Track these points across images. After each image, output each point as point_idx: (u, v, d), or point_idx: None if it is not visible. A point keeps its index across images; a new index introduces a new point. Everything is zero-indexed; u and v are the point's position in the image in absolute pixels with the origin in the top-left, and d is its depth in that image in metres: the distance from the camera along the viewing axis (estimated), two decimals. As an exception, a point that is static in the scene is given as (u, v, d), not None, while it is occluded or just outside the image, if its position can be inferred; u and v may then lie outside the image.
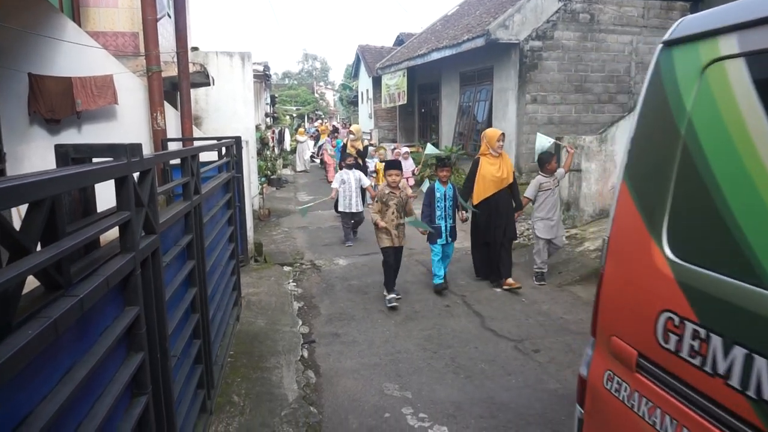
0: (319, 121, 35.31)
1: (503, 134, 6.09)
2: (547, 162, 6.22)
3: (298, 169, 19.83)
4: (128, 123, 6.03)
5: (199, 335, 3.06)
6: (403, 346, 4.66)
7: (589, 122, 11.97)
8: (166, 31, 7.09)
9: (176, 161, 3.27)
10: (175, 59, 6.52)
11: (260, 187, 11.03)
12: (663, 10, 12.06)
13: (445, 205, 5.85)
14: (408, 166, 11.23)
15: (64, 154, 1.68)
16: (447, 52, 13.21)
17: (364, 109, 26.51)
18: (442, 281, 5.97)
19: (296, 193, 14.44)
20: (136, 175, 1.83)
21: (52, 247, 1.24)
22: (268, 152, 16.81)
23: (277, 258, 7.59)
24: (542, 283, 6.27)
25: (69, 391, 1.25)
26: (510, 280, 6.01)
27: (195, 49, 9.02)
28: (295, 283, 6.47)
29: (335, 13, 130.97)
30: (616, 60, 12.08)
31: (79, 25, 5.99)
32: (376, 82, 21.73)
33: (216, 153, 5.17)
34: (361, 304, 5.73)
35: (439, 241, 5.84)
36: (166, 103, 6.16)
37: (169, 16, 7.21)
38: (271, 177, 15.06)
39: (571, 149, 6.67)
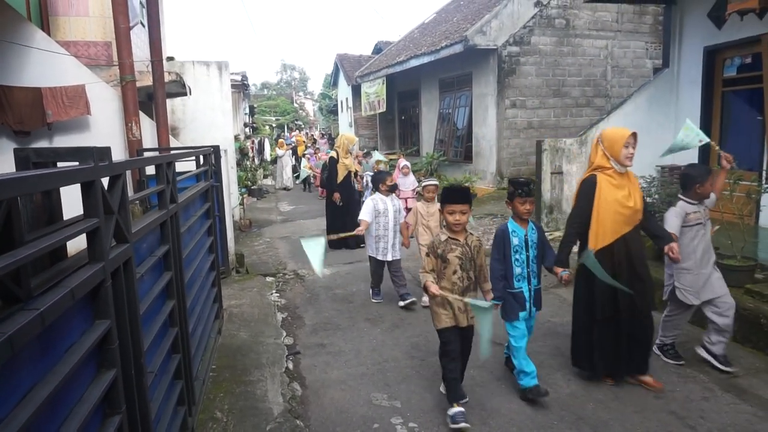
0: (297, 131, 35.00)
1: (635, 134, 3.67)
2: (700, 181, 3.95)
3: (278, 186, 18.27)
4: (102, 134, 5.87)
5: (178, 350, 2.93)
6: (391, 355, 4.56)
7: (568, 126, 12.08)
8: (140, 40, 6.95)
9: (153, 172, 3.16)
10: (150, 68, 6.39)
11: (241, 197, 10.87)
12: (636, 14, 12.27)
13: (527, 258, 3.71)
14: (409, 183, 9.55)
15: (24, 159, 1.57)
16: (426, 59, 13.25)
17: (344, 117, 26.48)
18: (537, 383, 3.70)
19: (277, 203, 14.29)
20: (105, 181, 1.72)
21: (8, 256, 1.13)
22: (248, 162, 16.65)
23: (259, 269, 7.45)
24: (679, 362, 4.11)
25: (29, 414, 1.14)
26: (648, 378, 3.82)
27: (171, 58, 8.87)
28: (278, 294, 6.34)
29: (313, 23, 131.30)
30: (592, 64, 12.24)
31: (49, 35, 5.83)
32: (356, 91, 21.73)
33: (194, 162, 5.05)
34: (346, 313, 5.62)
35: (521, 315, 3.72)
36: (141, 114, 6.01)
37: (143, 25, 7.08)
38: (252, 187, 14.90)
39: (728, 161, 4.09)
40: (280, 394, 3.84)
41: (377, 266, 5.89)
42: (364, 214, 5.73)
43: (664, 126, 7.96)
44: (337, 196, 8.53)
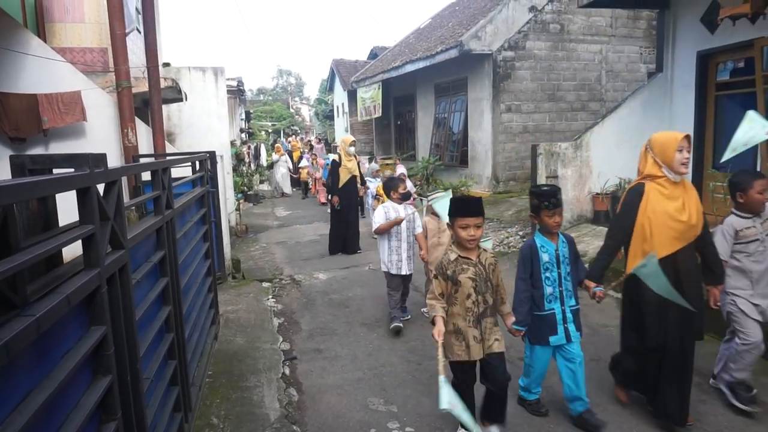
0: (293, 136, 34.87)
1: (688, 137, 3.25)
2: (742, 189, 3.49)
3: (275, 193, 17.38)
4: (98, 140, 5.86)
5: (174, 355, 2.93)
6: (387, 359, 4.56)
7: (563, 130, 12.13)
8: (136, 46, 6.95)
9: (149, 177, 3.16)
10: (146, 74, 6.39)
11: (237, 203, 10.86)
12: (630, 19, 12.35)
13: (559, 276, 3.34)
14: (407, 187, 9.87)
15: (20, 166, 1.57)
16: (421, 64, 13.30)
17: (340, 122, 26.52)
18: (537, 399, 3.63)
19: (274, 209, 14.27)
20: (101, 187, 1.73)
21: (4, 262, 1.14)
22: (244, 168, 16.64)
23: (255, 274, 7.44)
24: (752, 408, 3.45)
25: (25, 420, 1.14)
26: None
27: (167, 64, 8.88)
28: (274, 299, 6.33)
29: (309, 29, 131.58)
30: (586, 69, 12.31)
31: (45, 41, 5.83)
32: (352, 96, 21.78)
33: (190, 168, 5.05)
34: (342, 318, 5.62)
35: (552, 339, 3.34)
36: (137, 120, 6.01)
37: (139, 31, 7.09)
38: (248, 193, 14.89)
39: None
40: (276, 399, 3.84)
41: (393, 281, 5.26)
42: (379, 220, 5.25)
43: (658, 129, 7.93)
44: (336, 199, 8.35)
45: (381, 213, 5.31)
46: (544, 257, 3.32)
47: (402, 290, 5.32)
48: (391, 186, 5.46)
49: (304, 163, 16.97)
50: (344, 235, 8.43)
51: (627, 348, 3.55)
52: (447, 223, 3.05)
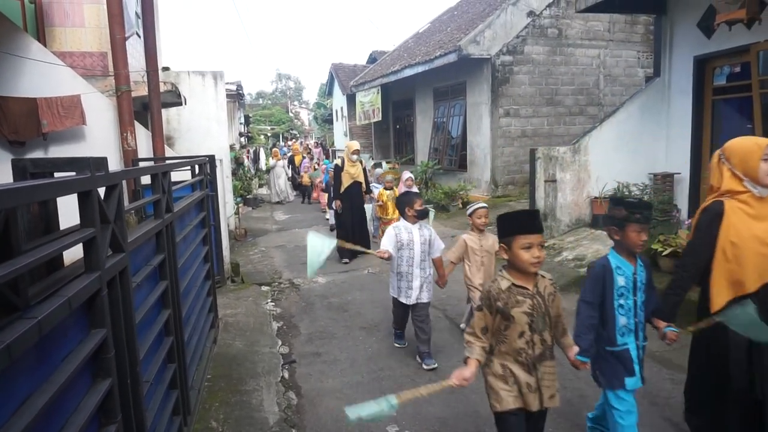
0: (293, 140, 34.78)
1: None
2: None
3: (273, 199, 16.63)
4: (98, 144, 5.87)
5: (173, 359, 2.93)
6: (386, 363, 4.57)
7: (562, 134, 12.16)
8: (135, 50, 6.97)
9: (148, 181, 3.17)
10: (146, 78, 6.41)
11: (236, 206, 10.87)
12: (628, 24, 12.40)
13: (635, 304, 2.78)
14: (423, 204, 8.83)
15: (21, 169, 1.58)
16: (420, 69, 13.33)
17: (339, 126, 26.54)
18: None
19: (273, 213, 14.28)
20: (101, 190, 1.74)
21: (6, 265, 1.15)
22: (243, 172, 16.64)
23: (254, 278, 7.44)
24: None
25: (26, 423, 1.15)
26: None
27: (166, 68, 8.90)
28: (273, 303, 6.33)
29: (308, 33, 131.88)
30: (584, 73, 12.35)
31: (45, 46, 5.85)
32: (351, 100, 21.81)
33: (189, 172, 5.06)
34: (341, 322, 5.62)
35: (629, 382, 2.77)
36: (137, 123, 6.02)
37: (138, 36, 7.11)
38: (247, 197, 14.89)
39: None
40: (275, 403, 3.84)
41: (400, 309, 4.69)
42: (386, 245, 4.40)
43: (656, 134, 8.04)
44: (338, 203, 8.22)
45: (391, 236, 4.45)
46: (620, 281, 2.74)
47: (417, 323, 4.49)
48: (405, 202, 4.55)
49: (306, 164, 16.93)
50: (352, 240, 8.12)
51: (699, 403, 2.98)
52: (501, 245, 2.54)
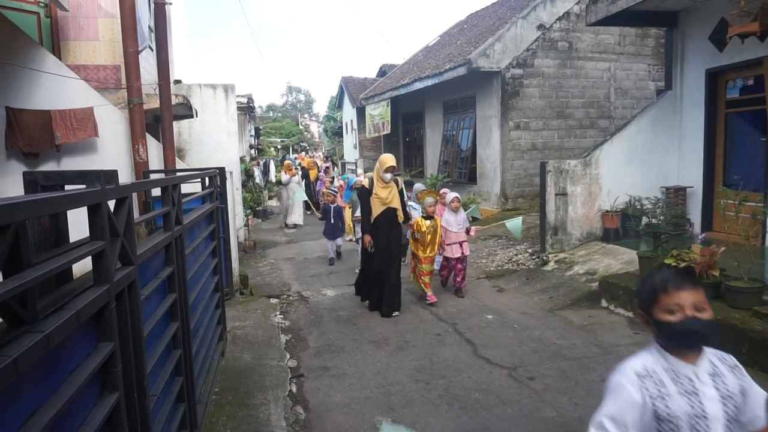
0: (302, 152, 34.51)
1: None
2: None
3: (288, 221, 13.75)
4: (109, 155, 5.93)
5: (181, 372, 2.91)
6: (395, 378, 4.52)
7: (572, 147, 12.11)
8: (148, 64, 7.06)
9: (158, 193, 3.18)
10: (158, 91, 6.48)
11: (245, 218, 10.91)
12: (638, 37, 12.38)
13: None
14: (460, 220, 6.75)
15: (32, 182, 1.59)
16: (429, 82, 13.38)
17: (349, 139, 26.66)
18: None
19: (282, 225, 14.29)
20: (111, 203, 1.74)
21: (15, 279, 1.14)
22: (253, 184, 16.71)
23: (263, 290, 7.43)
24: None
25: (32, 438, 1.13)
26: None
27: (178, 81, 9.01)
28: (282, 316, 6.31)
29: (318, 46, 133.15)
30: (595, 86, 12.32)
31: (60, 59, 5.93)
32: (360, 113, 21.91)
33: (199, 184, 5.08)
34: (350, 336, 5.59)
35: None
36: (148, 135, 6.08)
37: (151, 49, 7.20)
38: (257, 208, 14.94)
39: None
40: (283, 417, 3.80)
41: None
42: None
43: (668, 147, 7.99)
44: (367, 239, 6.13)
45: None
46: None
47: None
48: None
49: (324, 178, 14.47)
50: (379, 287, 6.22)
51: None
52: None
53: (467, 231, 6.77)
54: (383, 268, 6.11)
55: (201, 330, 3.77)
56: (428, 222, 6.40)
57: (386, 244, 6.13)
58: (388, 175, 6.10)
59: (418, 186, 8.63)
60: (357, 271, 7.40)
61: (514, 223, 7.19)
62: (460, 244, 6.66)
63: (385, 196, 6.12)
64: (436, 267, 6.92)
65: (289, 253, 10.25)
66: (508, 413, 3.83)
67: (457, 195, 6.99)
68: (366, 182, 6.34)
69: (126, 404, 1.77)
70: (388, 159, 6.19)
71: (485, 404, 3.98)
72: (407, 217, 6.50)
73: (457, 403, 4.01)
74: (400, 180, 6.47)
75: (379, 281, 6.16)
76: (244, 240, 10.38)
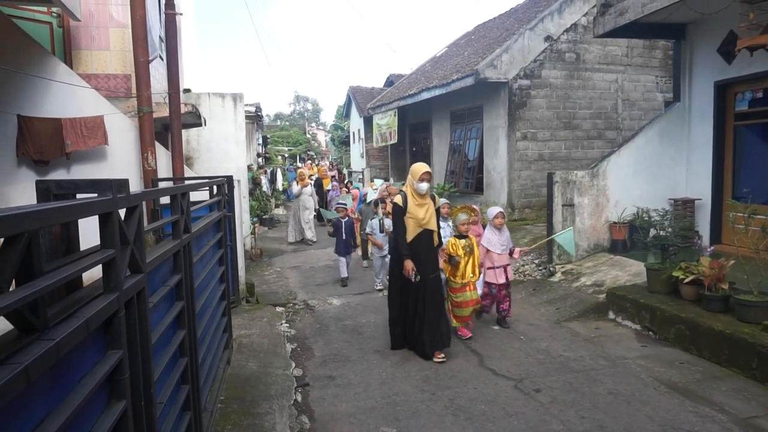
0: (309, 161, 34.40)
1: None
2: None
3: (296, 238, 12.56)
4: (119, 163, 5.98)
5: (187, 380, 2.91)
6: (401, 388, 4.50)
7: (579, 158, 12.08)
8: (158, 73, 7.13)
9: (167, 201, 3.20)
10: (167, 100, 6.54)
11: (252, 226, 10.94)
12: (646, 49, 12.38)
13: None
14: (504, 240, 5.93)
15: (45, 191, 1.60)
16: (437, 92, 13.41)
17: (356, 148, 26.73)
18: None
19: (288, 233, 14.31)
20: (122, 211, 1.76)
21: (27, 287, 1.15)
22: (260, 192, 16.76)
23: (269, 298, 7.44)
24: None
25: (41, 446, 1.14)
26: None
27: (187, 90, 9.09)
28: (288, 324, 6.31)
29: (326, 56, 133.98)
30: (602, 97, 12.31)
31: (72, 68, 6.01)
32: (368, 122, 21.99)
33: (207, 192, 5.11)
34: (356, 345, 5.57)
35: None
36: (157, 144, 6.13)
37: (162, 59, 7.28)
38: (264, 217, 14.99)
39: None
40: (288, 427, 3.79)
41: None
42: None
43: (676, 159, 7.96)
44: (409, 266, 5.01)
45: None
46: None
47: None
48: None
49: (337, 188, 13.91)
50: (411, 323, 5.25)
51: None
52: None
53: (510, 253, 5.91)
54: (419, 302, 5.12)
55: (207, 338, 3.78)
56: (462, 242, 5.51)
57: (422, 273, 5.05)
58: (425, 185, 5.07)
59: (442, 200, 6.86)
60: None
61: (566, 236, 6.05)
62: (504, 268, 5.88)
63: (422, 216, 5.08)
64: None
65: (295, 261, 10.27)
66: (514, 425, 3.81)
67: (501, 209, 6.01)
68: (399, 199, 5.19)
69: (133, 412, 1.78)
70: (422, 166, 5.19)
71: (491, 416, 3.95)
72: (441, 240, 5.38)
73: (463, 414, 3.98)
74: (438, 199, 5.44)
75: (410, 317, 5.22)
76: (251, 248, 10.41)
